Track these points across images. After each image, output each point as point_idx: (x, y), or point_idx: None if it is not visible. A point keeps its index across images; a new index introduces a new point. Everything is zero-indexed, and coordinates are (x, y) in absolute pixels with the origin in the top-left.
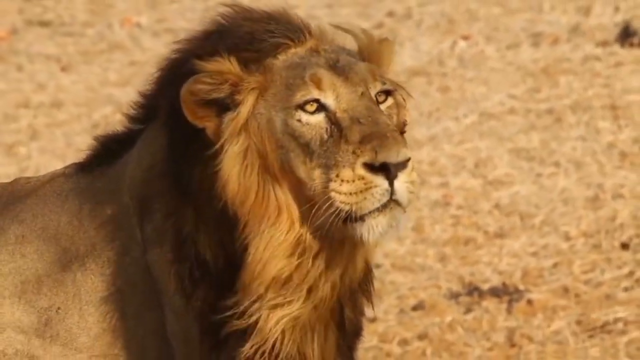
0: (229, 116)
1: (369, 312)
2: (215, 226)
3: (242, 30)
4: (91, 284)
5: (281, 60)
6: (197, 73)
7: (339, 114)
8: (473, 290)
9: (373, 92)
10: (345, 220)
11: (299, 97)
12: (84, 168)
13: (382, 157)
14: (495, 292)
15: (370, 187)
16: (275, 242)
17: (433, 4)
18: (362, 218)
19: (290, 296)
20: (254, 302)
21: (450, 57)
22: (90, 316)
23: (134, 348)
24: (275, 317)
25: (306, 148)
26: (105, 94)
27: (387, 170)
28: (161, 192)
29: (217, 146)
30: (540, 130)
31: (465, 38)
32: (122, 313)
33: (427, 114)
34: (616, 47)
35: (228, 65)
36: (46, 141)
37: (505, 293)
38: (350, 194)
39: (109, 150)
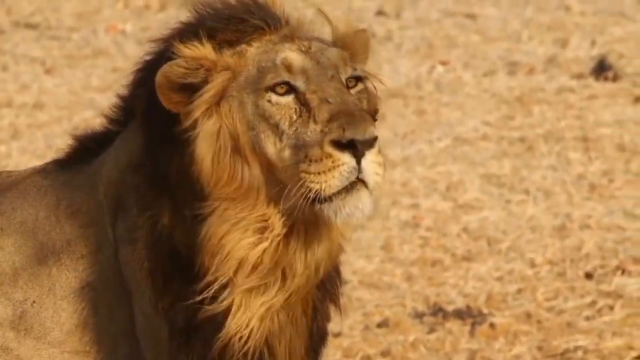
0: (198, 95)
1: (336, 322)
2: (192, 217)
3: (222, 14)
4: (65, 280)
5: (255, 47)
6: (173, 58)
7: (308, 95)
8: (437, 310)
9: (344, 77)
10: (313, 201)
11: (269, 80)
12: (62, 165)
13: (349, 134)
14: (459, 314)
15: (338, 165)
16: (232, 220)
17: (414, 29)
18: (329, 198)
19: (264, 279)
20: (225, 286)
21: (427, 81)
22: (63, 311)
23: (105, 345)
24: (251, 304)
25: (276, 129)
26: (87, 98)
27: (355, 148)
28: (137, 188)
29: (189, 125)
30: (512, 157)
31: (444, 63)
32: (95, 310)
33: (402, 135)
34: (590, 80)
35: (203, 50)
36: (27, 141)
37: (469, 315)
38: (319, 173)
39: (87, 149)
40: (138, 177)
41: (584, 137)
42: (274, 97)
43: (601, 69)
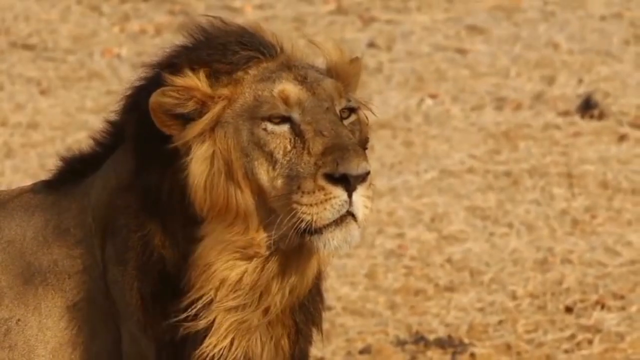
0: (192, 123)
1: (318, 347)
2: (183, 238)
3: (216, 42)
4: (51, 299)
5: (252, 74)
6: (165, 84)
7: (303, 126)
8: (419, 339)
9: (338, 108)
10: (303, 232)
11: (266, 110)
12: (51, 186)
13: (342, 169)
14: (440, 343)
15: (330, 199)
16: (224, 243)
17: (404, 61)
18: (319, 230)
19: (243, 300)
20: (207, 304)
21: (416, 114)
22: (48, 330)
23: None
24: (230, 322)
25: (270, 157)
26: (81, 120)
27: (347, 182)
28: (127, 209)
29: (183, 151)
30: (496, 191)
31: (433, 96)
32: (79, 329)
33: (389, 165)
34: (576, 118)
35: (195, 81)
36: (20, 160)
37: (450, 345)
38: (311, 205)
39: (75, 171)
40: (129, 199)
41: (568, 174)
42: (270, 126)
43: (587, 106)
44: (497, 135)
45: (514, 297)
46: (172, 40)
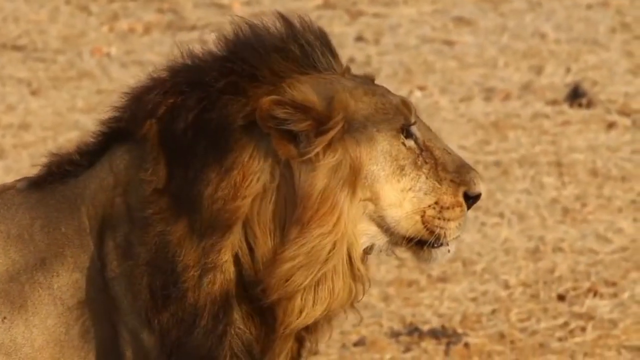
0: (318, 138)
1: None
2: (208, 239)
3: (299, 50)
4: (38, 297)
5: (347, 84)
6: (245, 93)
7: (427, 142)
8: (413, 330)
9: None
10: (422, 244)
11: (402, 121)
12: (35, 183)
13: (478, 189)
14: (434, 334)
15: (462, 216)
16: (316, 248)
17: (392, 54)
18: (444, 243)
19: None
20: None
21: None
22: (35, 328)
23: None
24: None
25: (400, 170)
26: (72, 120)
27: (473, 201)
28: (146, 205)
29: (308, 156)
30: (487, 181)
31: (421, 88)
32: (67, 327)
33: None
34: (565, 107)
35: (314, 99)
36: (12, 160)
37: (444, 335)
38: (449, 220)
39: (63, 169)
40: (151, 198)
41: (557, 162)
42: (406, 141)
43: (575, 95)
44: (486, 126)
45: (506, 286)
46: (161, 38)
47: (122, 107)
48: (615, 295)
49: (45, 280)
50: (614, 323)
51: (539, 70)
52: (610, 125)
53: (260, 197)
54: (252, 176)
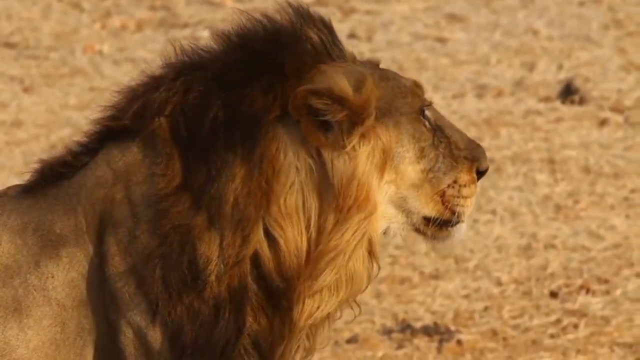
0: (355, 129)
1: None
2: (231, 233)
3: (316, 40)
4: (32, 299)
5: (368, 72)
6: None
7: (438, 122)
8: (406, 327)
9: None
10: (443, 224)
11: (420, 103)
12: (26, 189)
13: (487, 164)
14: (426, 331)
15: (474, 193)
16: (360, 232)
17: (384, 51)
18: (463, 220)
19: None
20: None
21: None
22: (29, 329)
23: None
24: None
25: (420, 151)
26: (65, 117)
27: (480, 176)
28: (162, 197)
29: (347, 147)
30: None
31: None
32: (63, 327)
33: None
34: (557, 104)
35: (348, 90)
36: (5, 158)
37: (437, 332)
38: (467, 197)
39: (55, 173)
40: (169, 190)
41: (550, 159)
42: (426, 122)
43: (568, 92)
44: (478, 123)
45: (498, 283)
46: (154, 35)
47: (118, 106)
48: (607, 292)
49: (39, 282)
50: (606, 320)
51: (531, 67)
52: (603, 122)
53: (288, 189)
54: (282, 169)
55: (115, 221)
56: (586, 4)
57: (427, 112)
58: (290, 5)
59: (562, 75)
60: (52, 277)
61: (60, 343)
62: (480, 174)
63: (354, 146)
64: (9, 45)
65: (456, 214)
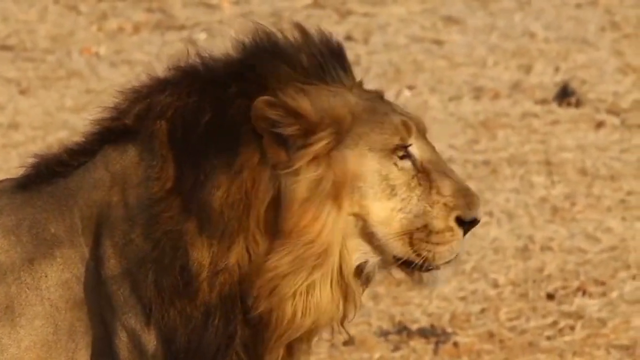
0: (303, 150)
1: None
2: (219, 240)
3: (310, 54)
4: (25, 298)
5: (352, 100)
6: (239, 96)
7: (425, 165)
8: (402, 329)
9: None
10: (411, 266)
11: (397, 141)
12: (20, 185)
13: (473, 214)
14: (423, 333)
15: (455, 240)
16: (301, 259)
17: (381, 54)
18: (435, 267)
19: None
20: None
21: None
22: (21, 328)
23: None
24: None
25: (391, 190)
26: (61, 119)
27: (470, 225)
28: (154, 202)
29: (292, 168)
30: (476, 180)
31: (410, 88)
32: (56, 328)
33: None
34: (554, 106)
35: (306, 106)
36: (1, 160)
37: (433, 334)
38: (437, 244)
39: (48, 170)
40: (161, 195)
41: (547, 161)
42: (399, 162)
43: (564, 94)
44: (475, 125)
45: (495, 285)
46: (150, 38)
47: (120, 107)
48: (604, 294)
49: (32, 281)
50: (602, 322)
51: (528, 70)
52: (600, 125)
53: (266, 202)
54: (261, 181)
55: (111, 224)
56: (583, 6)
57: (411, 151)
58: (299, 25)
59: (559, 78)
60: (46, 276)
61: (52, 345)
62: (468, 223)
63: (300, 167)
64: (6, 48)
65: (423, 258)
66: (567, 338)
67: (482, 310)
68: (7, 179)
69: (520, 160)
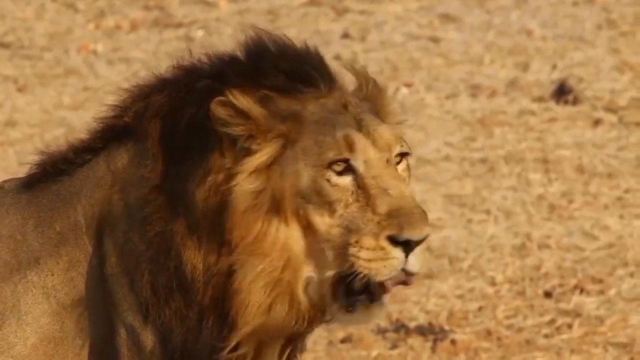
0: (247, 158)
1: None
2: (206, 242)
3: (276, 63)
4: (31, 296)
5: (310, 111)
6: (214, 92)
7: (367, 180)
8: (400, 327)
9: (393, 155)
10: (352, 292)
11: (331, 156)
12: (25, 184)
13: (407, 234)
14: (421, 331)
15: (389, 258)
16: (258, 273)
17: (378, 51)
18: (375, 294)
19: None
20: (249, 337)
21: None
22: (28, 326)
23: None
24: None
25: (328, 206)
26: (59, 117)
27: (407, 245)
28: (145, 203)
29: (234, 181)
30: (473, 178)
31: (407, 85)
32: (62, 325)
33: None
34: (551, 103)
35: (256, 110)
36: None
37: (431, 332)
38: (369, 260)
39: (54, 168)
40: (150, 196)
41: (544, 159)
42: (334, 178)
43: (561, 92)
44: (472, 123)
45: (493, 283)
46: (148, 35)
47: (124, 105)
48: (601, 292)
49: (39, 279)
50: (600, 320)
51: (525, 67)
52: (597, 122)
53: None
54: (230, 179)
55: (112, 223)
56: (580, 4)
57: (354, 167)
58: (286, 37)
59: (556, 75)
60: (52, 275)
61: (59, 342)
62: (405, 242)
63: (240, 178)
64: (3, 45)
65: (355, 268)
66: (564, 336)
67: (480, 308)
68: (12, 179)
69: (518, 158)
